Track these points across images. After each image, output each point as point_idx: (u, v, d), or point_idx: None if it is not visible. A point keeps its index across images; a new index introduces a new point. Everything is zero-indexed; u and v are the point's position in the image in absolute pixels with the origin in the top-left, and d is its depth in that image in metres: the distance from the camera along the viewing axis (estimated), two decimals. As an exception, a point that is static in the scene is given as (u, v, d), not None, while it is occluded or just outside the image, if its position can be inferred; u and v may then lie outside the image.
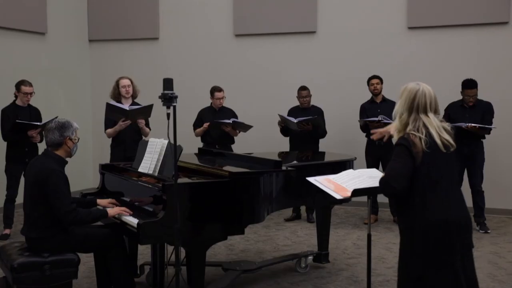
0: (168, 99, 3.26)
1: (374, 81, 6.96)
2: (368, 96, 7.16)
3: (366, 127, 6.77)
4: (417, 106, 2.96)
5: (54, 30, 8.54)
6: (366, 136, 6.91)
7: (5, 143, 6.33)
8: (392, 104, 6.50)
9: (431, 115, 2.97)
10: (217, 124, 6.64)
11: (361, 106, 7.08)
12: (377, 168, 6.42)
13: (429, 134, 2.92)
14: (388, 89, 6.98)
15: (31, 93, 6.32)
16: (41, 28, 8.30)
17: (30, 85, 6.32)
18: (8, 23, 7.76)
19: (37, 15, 8.21)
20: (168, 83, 3.28)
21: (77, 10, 9.00)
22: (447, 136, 2.97)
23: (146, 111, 5.83)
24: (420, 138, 2.90)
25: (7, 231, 6.34)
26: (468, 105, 6.48)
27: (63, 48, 8.73)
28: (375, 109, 6.83)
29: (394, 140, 3.09)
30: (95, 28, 9.17)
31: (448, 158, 2.97)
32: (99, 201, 4.24)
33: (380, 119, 6.45)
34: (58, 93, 8.59)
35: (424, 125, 2.94)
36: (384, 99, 6.93)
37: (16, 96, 6.37)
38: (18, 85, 6.31)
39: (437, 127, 2.96)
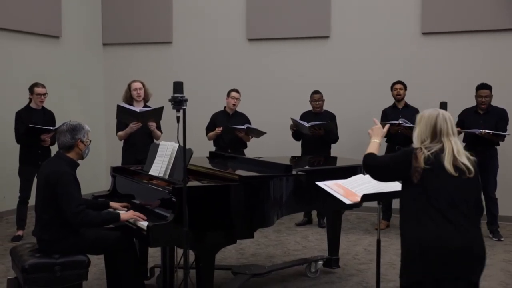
0: (178, 102, 3.25)
1: (398, 86, 6.93)
2: (380, 101, 7.13)
3: (386, 132, 6.70)
4: (440, 131, 2.91)
5: (69, 33, 8.62)
6: (386, 141, 6.85)
7: (19, 145, 6.38)
8: (414, 110, 6.47)
9: (453, 139, 2.91)
10: (231, 129, 6.65)
11: (382, 111, 7.03)
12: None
13: (436, 155, 2.84)
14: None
15: (44, 94, 6.37)
16: (56, 31, 8.38)
17: (43, 86, 6.39)
18: (23, 26, 7.84)
19: (51, 18, 8.29)
20: (178, 86, 3.28)
21: (91, 14, 9.08)
22: (465, 160, 2.85)
23: (157, 113, 5.86)
24: (423, 154, 2.85)
25: (20, 232, 6.40)
26: (481, 109, 6.43)
27: (77, 51, 8.81)
28: (397, 114, 6.78)
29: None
30: (109, 32, 9.23)
31: (460, 183, 2.82)
32: (111, 203, 4.26)
33: (400, 122, 6.42)
34: (71, 96, 8.66)
35: (441, 148, 2.86)
36: (407, 105, 6.89)
37: (30, 99, 6.42)
38: (32, 87, 6.37)
39: (457, 151, 2.86)
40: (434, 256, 2.75)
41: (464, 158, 2.87)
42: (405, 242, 2.89)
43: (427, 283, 2.78)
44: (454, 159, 2.84)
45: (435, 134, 2.91)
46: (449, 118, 2.95)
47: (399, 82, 6.97)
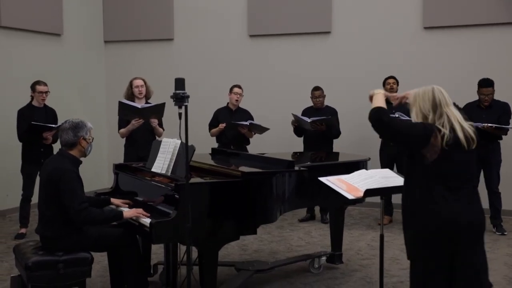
0: (180, 99, 3.25)
1: (391, 81, 6.93)
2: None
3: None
4: (439, 101, 2.95)
5: (70, 31, 8.61)
6: (380, 136, 6.84)
7: (21, 143, 6.38)
8: (407, 105, 6.44)
9: (452, 107, 2.97)
10: (234, 126, 6.64)
11: None
12: (392, 168, 6.37)
13: (452, 130, 2.89)
14: (403, 89, 6.87)
15: (46, 92, 6.37)
16: (57, 29, 8.38)
17: (45, 84, 6.39)
18: (24, 24, 7.83)
19: (53, 16, 8.28)
20: (179, 83, 3.27)
21: (92, 11, 9.07)
22: (468, 128, 2.94)
23: (159, 109, 5.84)
24: (443, 135, 2.86)
25: (23, 230, 6.40)
26: (484, 105, 6.42)
27: (78, 49, 8.81)
28: (390, 109, 6.74)
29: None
30: (110, 29, 9.23)
31: (467, 158, 2.92)
32: (112, 200, 4.27)
33: (397, 115, 6.41)
34: (73, 94, 8.66)
35: (448, 119, 2.92)
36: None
37: (32, 98, 6.42)
38: (33, 85, 6.37)
39: (460, 119, 2.94)
40: (449, 232, 2.84)
41: (466, 125, 2.95)
42: (416, 218, 2.93)
43: (442, 256, 2.88)
44: (462, 128, 2.91)
45: (436, 105, 2.95)
46: (443, 89, 3.01)
47: (391, 77, 6.98)
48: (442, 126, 2.89)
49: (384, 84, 6.99)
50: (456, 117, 2.93)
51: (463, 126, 2.92)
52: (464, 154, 2.90)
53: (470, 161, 2.96)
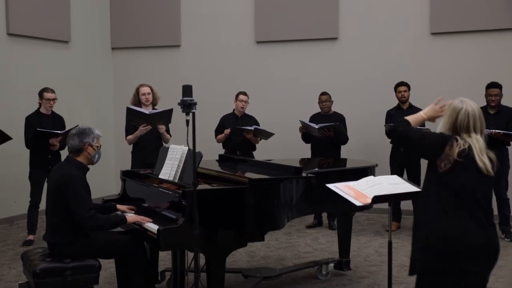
0: (187, 106, 3.26)
1: (402, 88, 6.88)
2: (390, 102, 7.10)
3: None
4: (460, 126, 2.82)
5: (78, 38, 8.65)
6: (391, 142, 6.83)
7: (29, 150, 6.40)
8: (418, 111, 6.42)
9: (474, 135, 2.81)
10: (239, 131, 6.65)
11: (387, 112, 7.00)
12: (401, 175, 6.34)
13: (470, 149, 2.76)
14: (411, 95, 6.92)
15: (53, 99, 6.39)
16: (65, 36, 8.41)
17: (53, 91, 6.40)
18: (32, 31, 7.87)
19: (60, 23, 8.32)
20: (187, 90, 3.28)
21: (100, 18, 9.11)
22: (486, 161, 2.78)
23: (166, 115, 5.85)
24: (460, 146, 2.74)
25: (31, 237, 6.41)
26: (492, 110, 6.39)
27: (86, 56, 8.84)
28: (401, 116, 6.70)
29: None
30: (117, 36, 9.26)
31: (483, 181, 2.79)
32: (118, 206, 4.29)
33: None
34: (81, 101, 8.69)
35: (469, 144, 2.78)
36: (411, 106, 6.81)
37: (40, 105, 6.44)
38: (41, 92, 6.39)
39: (480, 149, 2.78)
40: (459, 250, 2.74)
41: (486, 157, 2.79)
42: (426, 230, 2.82)
43: (448, 273, 2.77)
44: (481, 159, 2.77)
45: (455, 129, 2.84)
46: (473, 112, 2.84)
47: (402, 84, 6.91)
48: (462, 140, 2.78)
49: (395, 90, 6.94)
50: (476, 145, 2.78)
51: (481, 157, 2.77)
52: (478, 174, 2.76)
53: (485, 183, 2.81)
